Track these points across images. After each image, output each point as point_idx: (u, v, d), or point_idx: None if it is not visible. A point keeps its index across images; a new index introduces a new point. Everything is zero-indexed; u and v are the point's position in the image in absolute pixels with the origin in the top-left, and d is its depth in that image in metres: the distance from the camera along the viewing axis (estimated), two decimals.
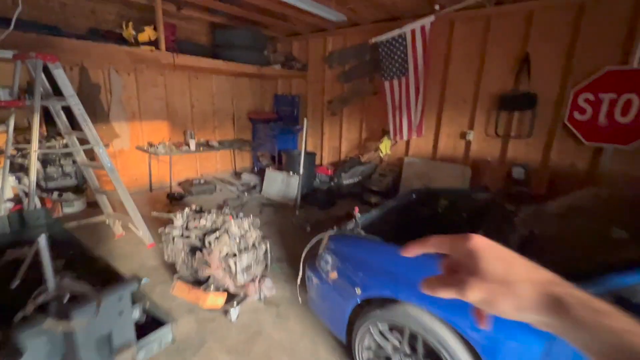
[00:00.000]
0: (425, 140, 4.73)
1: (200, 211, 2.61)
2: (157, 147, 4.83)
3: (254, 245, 2.37)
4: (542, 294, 0.34)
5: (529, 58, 3.67)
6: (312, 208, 4.77)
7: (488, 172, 4.04)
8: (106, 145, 4.76)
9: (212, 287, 2.23)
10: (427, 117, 4.54)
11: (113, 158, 4.94)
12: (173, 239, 2.38)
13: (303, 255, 2.11)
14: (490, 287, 0.36)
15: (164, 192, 5.02)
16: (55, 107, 2.74)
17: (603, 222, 1.78)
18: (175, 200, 4.86)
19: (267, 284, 2.69)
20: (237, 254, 2.21)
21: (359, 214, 2.43)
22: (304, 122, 4.39)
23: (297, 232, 3.94)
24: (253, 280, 2.39)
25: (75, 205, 4.00)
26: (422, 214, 2.98)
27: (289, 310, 2.52)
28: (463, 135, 4.37)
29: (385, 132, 4.89)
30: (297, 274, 2.21)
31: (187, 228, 2.39)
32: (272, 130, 6.22)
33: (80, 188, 3.35)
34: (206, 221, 2.35)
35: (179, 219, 2.44)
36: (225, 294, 2.29)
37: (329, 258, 1.99)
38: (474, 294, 0.37)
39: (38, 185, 3.15)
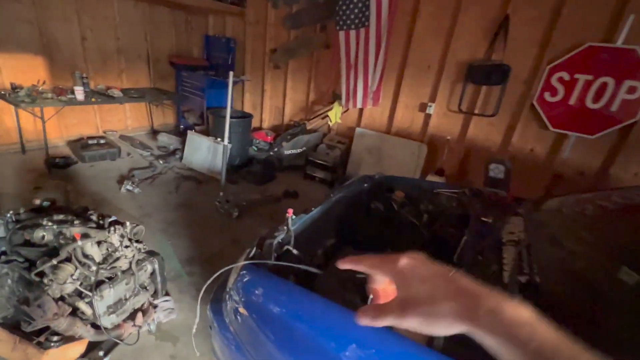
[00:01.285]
0: (380, 110, 4.08)
1: (44, 209, 1.66)
2: (18, 93, 3.42)
3: (130, 268, 1.55)
4: (459, 314, 0.34)
5: (508, 21, 3.09)
6: (244, 184, 3.95)
7: (446, 152, 3.59)
8: None
9: (55, 337, 1.42)
10: (385, 83, 3.84)
11: None
12: None
13: (200, 295, 1.38)
14: (422, 311, 0.35)
15: (45, 155, 3.72)
16: None
17: (606, 253, 1.35)
18: (56, 168, 3.63)
19: (165, 305, 1.94)
20: (92, 290, 1.38)
21: (292, 217, 1.72)
22: (240, 74, 3.39)
23: (220, 218, 3.15)
24: (132, 315, 1.62)
25: None
26: (374, 211, 2.40)
27: (191, 345, 1.84)
28: (423, 108, 3.80)
29: (336, 97, 4.11)
30: (213, 287, 1.50)
31: (11, 243, 1.46)
32: (199, 81, 5.00)
33: None
34: (45, 234, 1.44)
35: None
36: (82, 344, 1.50)
37: (239, 309, 1.29)
38: (411, 321, 0.36)
39: None
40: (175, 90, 5.45)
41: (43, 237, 1.46)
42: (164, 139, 4.72)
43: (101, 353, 1.56)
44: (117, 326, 1.57)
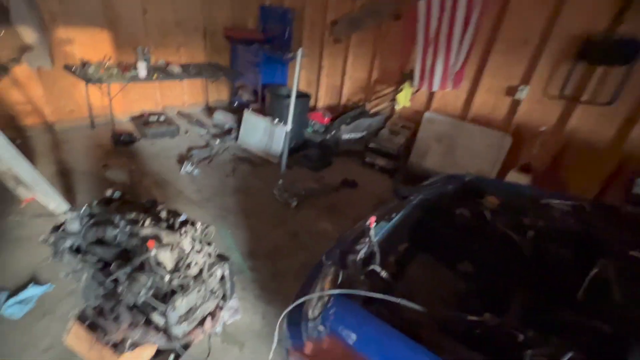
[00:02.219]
0: (455, 93, 3.56)
1: (114, 201, 1.57)
2: (88, 69, 3.45)
3: (200, 274, 1.42)
4: None
5: None
6: (300, 169, 3.76)
7: (537, 145, 3.05)
8: (13, 60, 3.38)
9: (129, 342, 1.35)
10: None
11: (30, 81, 3.59)
12: (64, 254, 1.40)
13: (280, 320, 1.20)
14: None
15: (111, 131, 3.81)
16: None
17: None
18: (121, 145, 3.71)
19: (229, 304, 1.84)
20: (165, 301, 1.27)
21: (374, 226, 1.47)
22: (298, 50, 3.09)
23: (278, 207, 3.00)
24: (202, 322, 1.51)
25: None
26: (459, 218, 2.05)
27: (258, 352, 1.72)
28: (511, 92, 3.22)
29: (406, 76, 3.64)
30: (276, 287, 1.34)
31: (85, 239, 1.39)
32: (255, 55, 4.77)
33: None
34: (117, 234, 1.34)
35: (73, 221, 1.42)
36: (153, 347, 1.42)
37: (324, 345, 1.09)
38: None
39: None
40: (229, 65, 5.30)
41: (115, 237, 1.37)
42: (220, 116, 4.63)
43: (171, 357, 1.49)
44: (187, 333, 1.48)
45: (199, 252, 1.42)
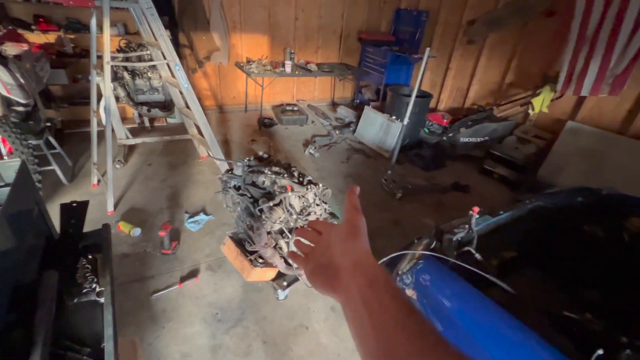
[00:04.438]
0: (613, 101, 2.99)
1: (264, 160, 2.10)
2: (251, 66, 4.40)
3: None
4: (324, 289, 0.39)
5: None
6: (411, 166, 3.85)
7: None
8: (206, 59, 4.60)
9: (261, 260, 1.82)
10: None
11: (213, 74, 4.79)
12: (229, 189, 1.98)
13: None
14: (314, 267, 0.42)
15: (258, 115, 4.77)
16: (136, 10, 2.40)
17: None
18: (264, 127, 4.58)
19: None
20: (290, 234, 1.67)
21: (476, 216, 1.53)
22: (425, 50, 3.19)
23: (384, 196, 3.20)
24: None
25: (177, 117, 4.08)
26: (589, 235, 1.84)
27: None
28: None
29: (548, 79, 3.28)
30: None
31: (244, 181, 1.94)
32: (382, 56, 5.05)
33: (167, 104, 3.22)
34: (265, 180, 1.83)
35: (238, 168, 1.99)
36: (276, 270, 1.87)
37: (411, 295, 1.26)
38: (305, 269, 0.44)
39: (130, 97, 3.11)
40: (358, 65, 5.74)
41: (264, 182, 1.86)
42: (342, 111, 5.12)
43: (285, 283, 1.90)
44: (298, 268, 1.87)
45: (318, 205, 1.78)
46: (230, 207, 2.06)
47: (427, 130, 4.28)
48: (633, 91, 2.87)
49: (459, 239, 1.51)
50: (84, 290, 0.93)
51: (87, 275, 0.97)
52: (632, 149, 2.86)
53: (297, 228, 0.55)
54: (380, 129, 4.16)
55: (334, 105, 5.77)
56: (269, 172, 1.84)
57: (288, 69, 4.45)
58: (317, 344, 1.76)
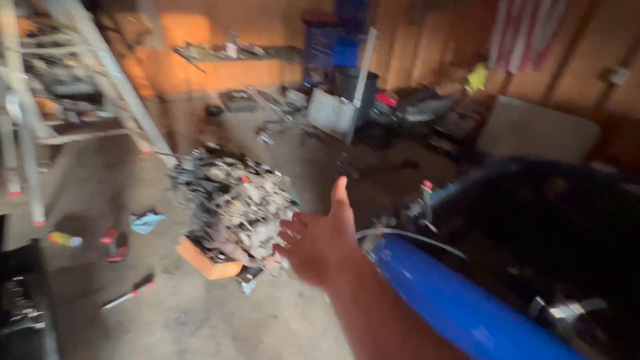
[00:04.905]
0: (536, 76, 3.33)
1: (215, 151, 1.99)
2: (191, 51, 4.08)
3: (277, 213, 1.75)
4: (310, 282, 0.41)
5: None
6: (363, 147, 3.95)
7: (631, 137, 2.75)
8: (138, 43, 4.15)
9: (222, 256, 1.76)
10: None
11: (148, 60, 4.36)
12: (180, 185, 1.85)
13: None
14: (300, 261, 0.43)
15: (204, 103, 4.48)
16: None
17: None
18: (212, 116, 4.33)
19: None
20: (250, 226, 1.63)
21: (429, 191, 1.62)
22: (370, 31, 3.23)
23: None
24: (274, 253, 1.86)
25: (111, 110, 3.66)
26: (522, 200, 2.06)
27: (315, 289, 2.03)
28: (605, 75, 2.92)
29: (481, 58, 3.53)
30: None
31: (196, 175, 1.82)
32: (328, 38, 5.01)
33: (96, 96, 2.87)
34: (219, 172, 1.74)
35: (188, 162, 1.86)
36: (240, 264, 1.82)
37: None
38: (291, 262, 0.45)
39: (48, 90, 2.71)
40: (304, 48, 5.63)
41: (217, 175, 1.76)
42: (292, 96, 5.03)
43: (249, 275, 1.87)
44: (264, 259, 1.84)
45: (277, 194, 1.75)
46: (182, 205, 1.94)
47: (376, 111, 4.40)
48: (551, 66, 3.21)
49: (415, 213, 1.60)
50: (14, 319, 0.81)
51: (16, 300, 0.84)
52: (552, 119, 3.24)
53: (282, 220, 0.56)
54: (333, 112, 4.18)
55: (284, 90, 5.63)
56: (222, 164, 1.76)
57: (232, 52, 4.21)
58: (288, 332, 1.77)
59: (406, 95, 4.37)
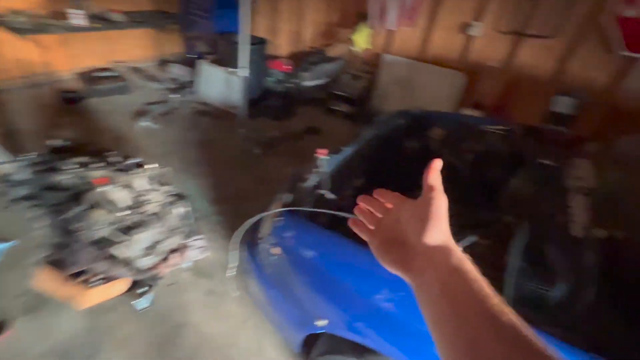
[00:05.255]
0: (412, 32, 3.55)
1: (65, 150, 1.57)
2: (19, 20, 3.10)
3: (159, 212, 1.50)
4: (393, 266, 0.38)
5: None
6: (263, 119, 3.74)
7: (487, 82, 3.19)
8: None
9: (96, 277, 1.44)
10: None
11: None
12: (17, 201, 1.41)
13: (232, 240, 1.32)
14: (381, 242, 0.42)
15: (56, 89, 3.55)
16: None
17: None
18: (69, 104, 3.49)
19: (197, 243, 1.97)
20: (126, 234, 1.35)
21: (325, 157, 1.58)
22: None
23: (242, 156, 3.04)
24: (167, 257, 1.63)
25: None
26: (409, 150, 2.21)
27: (226, 283, 1.89)
28: (464, 28, 3.27)
29: (363, 17, 3.57)
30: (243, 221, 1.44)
31: (37, 186, 1.40)
32: (204, 0, 4.42)
33: None
34: (67, 178, 1.36)
35: (20, 170, 1.41)
36: (126, 282, 1.53)
37: (275, 253, 1.23)
38: (370, 242, 0.43)
39: None
40: (179, 12, 4.89)
41: (64, 181, 1.39)
42: (175, 70, 4.39)
43: (139, 291, 1.61)
44: (154, 266, 1.59)
45: (156, 190, 1.48)
46: (30, 223, 1.51)
47: (272, 79, 4.17)
48: (423, 22, 3.44)
49: (313, 184, 1.54)
50: None
51: None
52: (428, 72, 3.54)
53: (360, 196, 0.47)
54: (223, 85, 3.80)
55: (164, 64, 4.87)
56: (70, 167, 1.38)
57: (79, 20, 3.36)
58: (201, 337, 1.62)
59: (300, 60, 4.23)
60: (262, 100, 3.93)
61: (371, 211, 0.46)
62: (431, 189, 0.39)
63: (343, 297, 1.06)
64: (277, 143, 3.27)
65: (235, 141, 3.12)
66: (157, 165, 1.50)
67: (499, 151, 1.87)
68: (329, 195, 1.50)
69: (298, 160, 3.10)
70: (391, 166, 2.33)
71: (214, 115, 3.67)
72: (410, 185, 2.19)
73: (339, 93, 3.89)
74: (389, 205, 0.45)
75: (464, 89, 3.40)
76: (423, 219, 0.37)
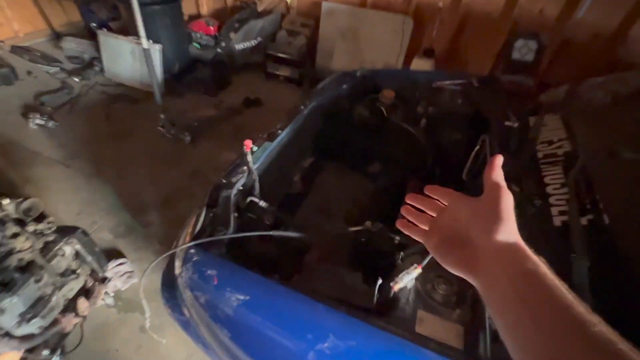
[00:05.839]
0: None
1: None
2: None
3: (34, 260, 1.10)
4: (457, 267, 0.37)
5: None
6: (193, 95, 3.19)
7: (436, 24, 2.86)
8: None
9: None
10: None
11: None
12: None
13: (141, 284, 0.98)
14: (440, 241, 0.40)
15: None
16: None
17: None
18: None
19: (120, 269, 1.62)
20: None
21: (252, 149, 1.23)
22: None
23: (170, 147, 2.57)
24: (69, 306, 1.26)
25: None
26: (359, 118, 1.90)
27: (163, 313, 1.58)
28: None
29: None
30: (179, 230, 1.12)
31: None
32: None
33: None
34: None
35: None
36: (16, 354, 1.17)
37: (188, 304, 0.93)
38: (427, 243, 0.42)
39: None
40: None
41: None
42: (72, 45, 3.55)
43: (46, 352, 1.26)
44: (54, 322, 1.23)
45: (17, 235, 1.07)
46: None
47: (197, 45, 3.53)
48: None
49: (241, 188, 1.21)
50: None
51: None
52: (372, 19, 3.13)
53: (409, 194, 0.43)
54: (135, 58, 3.13)
55: (57, 38, 3.95)
56: None
57: None
58: None
59: (227, 19, 3.58)
60: (188, 73, 3.34)
61: (422, 210, 0.44)
62: (496, 186, 0.36)
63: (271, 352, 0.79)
64: (212, 124, 2.80)
65: (159, 130, 2.61)
66: (12, 199, 1.08)
67: (458, 113, 1.62)
68: (261, 203, 1.19)
69: (238, 143, 2.68)
70: (339, 137, 2.04)
71: (129, 99, 3.05)
72: (362, 154, 1.91)
73: (278, 55, 3.38)
74: (443, 203, 0.43)
75: (412, 35, 3.06)
76: (489, 218, 0.35)
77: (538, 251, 0.32)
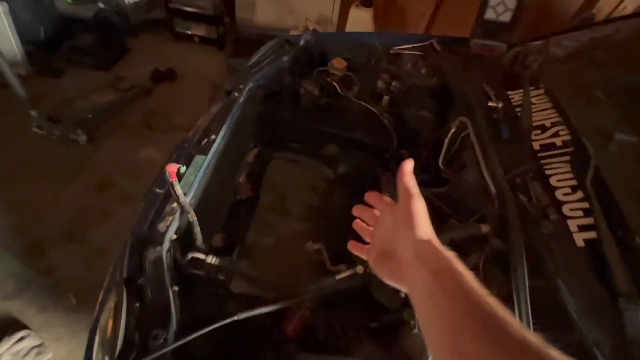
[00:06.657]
0: None
1: None
2: None
3: None
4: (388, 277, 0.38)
5: None
6: (75, 72, 2.40)
7: None
8: None
9: None
10: None
11: None
12: None
13: None
14: (376, 257, 0.40)
15: None
16: None
17: None
18: None
19: (24, 345, 1.21)
20: None
21: (180, 171, 0.83)
22: None
23: (59, 151, 1.91)
24: None
25: None
26: (306, 97, 1.57)
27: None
28: None
29: None
30: (96, 277, 0.78)
31: None
32: None
33: None
34: None
35: None
36: None
37: None
38: (368, 259, 0.41)
39: None
40: None
41: None
42: None
43: None
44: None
45: None
46: None
47: (69, 1, 2.59)
48: None
49: (174, 237, 0.85)
50: None
51: None
52: None
53: (356, 206, 0.44)
54: None
55: None
56: None
57: None
58: None
59: None
60: (63, 40, 2.47)
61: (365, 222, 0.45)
62: (407, 192, 0.37)
63: None
64: (113, 112, 2.16)
65: (32, 129, 1.90)
66: None
67: (423, 87, 1.39)
68: (210, 259, 0.85)
69: (155, 133, 2.13)
70: (285, 122, 1.69)
71: None
72: (315, 139, 1.60)
73: (185, 8, 2.67)
74: (377, 213, 0.43)
75: None
76: (404, 225, 0.36)
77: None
